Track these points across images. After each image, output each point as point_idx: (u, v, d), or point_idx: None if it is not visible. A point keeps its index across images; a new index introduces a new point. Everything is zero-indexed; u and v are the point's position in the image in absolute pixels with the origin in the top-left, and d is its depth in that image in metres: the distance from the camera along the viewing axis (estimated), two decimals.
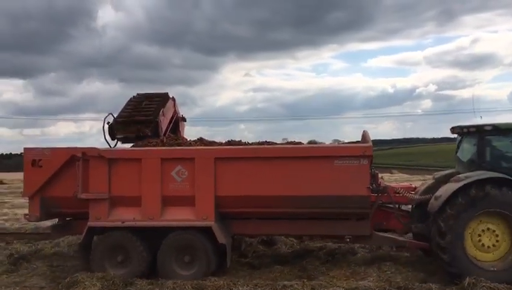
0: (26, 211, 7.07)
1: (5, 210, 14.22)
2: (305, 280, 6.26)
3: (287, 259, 7.65)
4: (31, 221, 7.24)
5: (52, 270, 7.39)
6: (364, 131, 7.02)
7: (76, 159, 6.76)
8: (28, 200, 7.02)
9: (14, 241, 9.42)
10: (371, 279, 6.48)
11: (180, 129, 9.34)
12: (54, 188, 6.86)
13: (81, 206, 6.79)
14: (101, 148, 6.90)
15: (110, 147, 7.71)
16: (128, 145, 7.86)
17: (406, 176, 20.77)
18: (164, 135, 7.99)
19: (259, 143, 7.22)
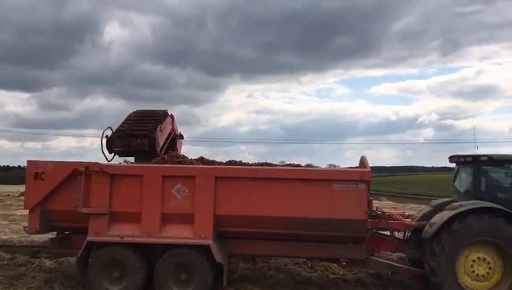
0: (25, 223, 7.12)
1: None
2: None
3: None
4: (30, 233, 7.31)
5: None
6: (362, 156, 7.23)
7: (78, 174, 6.89)
8: (28, 213, 7.09)
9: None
10: None
11: (177, 146, 9.47)
12: (55, 201, 6.96)
13: (81, 221, 6.89)
14: (103, 164, 7.05)
15: (107, 160, 7.82)
16: (129, 160, 8.00)
17: (391, 203, 21.05)
18: (161, 151, 8.14)
19: (259, 164, 7.39)
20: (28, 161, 7.08)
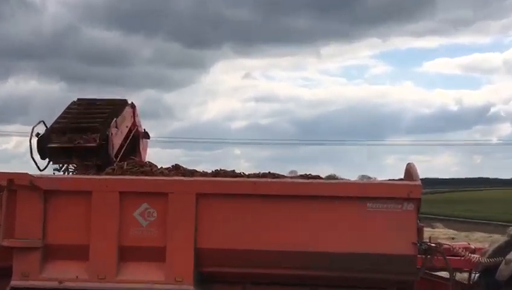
0: None
1: None
2: None
3: None
4: None
5: None
6: (409, 164, 7.23)
7: None
8: None
9: None
10: None
11: (141, 149, 9.60)
12: None
13: (2, 258, 6.88)
14: (34, 175, 7.06)
15: (40, 169, 7.88)
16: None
17: (451, 231, 21.07)
18: (116, 155, 8.20)
19: (259, 175, 7.44)
20: None
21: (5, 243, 6.85)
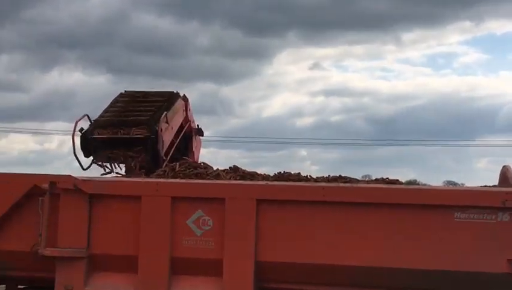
0: None
1: None
2: None
3: None
4: None
5: None
6: (505, 168, 6.86)
7: (39, 193, 6.63)
8: None
9: None
10: None
11: (194, 148, 9.42)
12: (3, 236, 6.78)
13: (44, 268, 6.68)
14: (79, 178, 6.74)
15: (83, 167, 7.71)
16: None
17: None
18: (166, 153, 7.92)
19: (329, 179, 7.06)
20: None
21: (47, 252, 6.58)
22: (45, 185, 6.61)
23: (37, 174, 6.81)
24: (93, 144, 7.78)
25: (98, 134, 7.74)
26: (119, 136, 7.68)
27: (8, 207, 6.71)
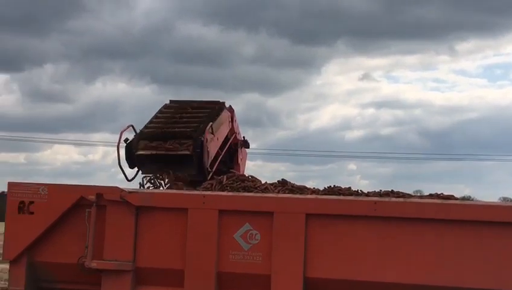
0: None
1: None
2: None
3: None
4: None
5: None
6: None
7: (86, 205, 6.60)
8: (9, 266, 6.93)
9: None
10: None
11: (239, 160, 9.27)
12: (49, 248, 6.74)
13: (90, 281, 6.63)
14: (126, 189, 6.69)
15: (127, 179, 7.68)
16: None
17: None
18: (212, 165, 7.84)
19: (381, 194, 6.84)
20: (10, 184, 6.89)
21: (94, 265, 6.53)
22: (92, 197, 6.58)
23: (84, 185, 6.77)
24: (138, 159, 7.71)
25: (143, 148, 7.63)
26: (164, 152, 7.57)
27: (54, 219, 6.68)
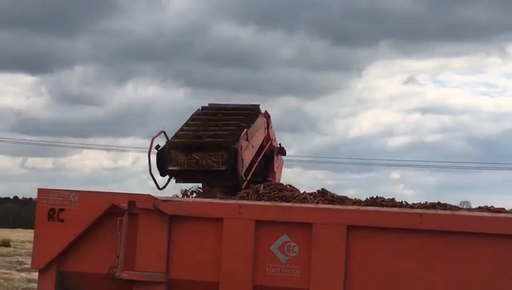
0: None
1: None
2: None
3: None
4: None
5: None
6: None
7: (118, 213, 6.51)
8: (38, 275, 6.87)
9: None
10: None
11: (275, 168, 9.10)
12: (79, 257, 6.68)
13: None
14: (159, 197, 6.59)
15: (158, 187, 7.60)
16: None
17: None
18: (246, 174, 7.68)
19: (427, 206, 6.62)
20: (40, 190, 6.82)
21: (125, 275, 6.43)
22: (124, 205, 6.49)
23: (116, 192, 6.71)
24: (170, 173, 7.53)
25: (174, 164, 7.39)
26: (196, 168, 7.32)
27: (85, 227, 6.62)
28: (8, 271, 21.29)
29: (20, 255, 28.94)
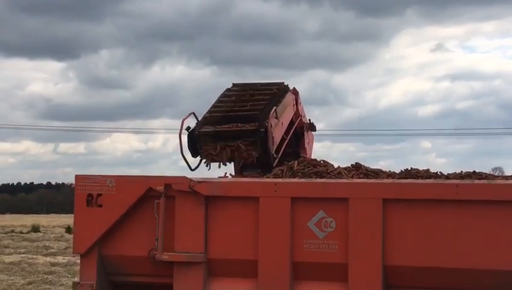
0: None
1: None
2: None
3: None
4: None
5: None
6: None
7: (154, 196, 6.55)
8: (79, 260, 6.95)
9: None
10: None
11: (306, 144, 9.15)
12: (119, 241, 6.76)
13: (162, 273, 6.59)
14: (194, 179, 6.61)
15: (191, 168, 7.63)
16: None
17: None
18: (277, 151, 7.72)
19: (462, 175, 6.60)
20: (77, 177, 6.90)
21: (165, 257, 6.49)
22: (160, 188, 6.53)
23: (152, 176, 6.76)
24: (199, 139, 7.55)
25: (206, 129, 7.47)
26: (226, 129, 7.42)
27: (123, 211, 6.68)
28: (34, 256, 21.65)
29: (48, 240, 29.39)
